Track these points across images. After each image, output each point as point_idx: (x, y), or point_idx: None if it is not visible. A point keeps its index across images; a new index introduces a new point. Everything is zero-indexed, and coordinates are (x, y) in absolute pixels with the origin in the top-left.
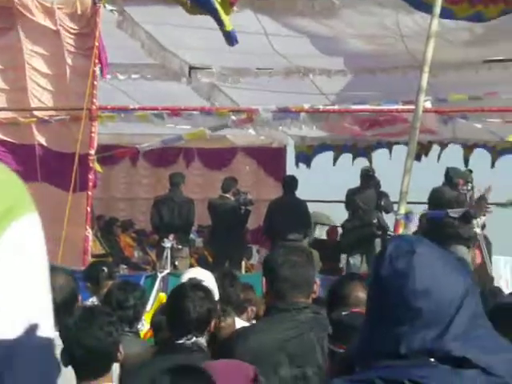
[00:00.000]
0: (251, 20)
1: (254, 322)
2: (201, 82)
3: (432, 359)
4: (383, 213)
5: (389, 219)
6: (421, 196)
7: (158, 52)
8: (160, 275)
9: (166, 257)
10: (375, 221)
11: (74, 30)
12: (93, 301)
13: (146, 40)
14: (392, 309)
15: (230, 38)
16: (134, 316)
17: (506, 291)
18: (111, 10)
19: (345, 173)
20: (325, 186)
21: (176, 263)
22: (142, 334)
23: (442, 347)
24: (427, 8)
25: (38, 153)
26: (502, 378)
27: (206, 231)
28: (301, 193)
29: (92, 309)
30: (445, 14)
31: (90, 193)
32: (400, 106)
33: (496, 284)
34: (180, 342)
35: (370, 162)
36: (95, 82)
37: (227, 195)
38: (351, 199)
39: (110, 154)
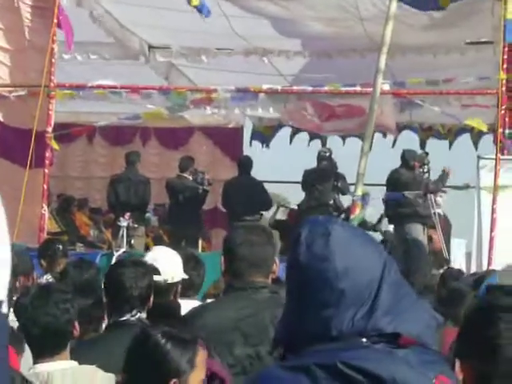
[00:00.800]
0: (211, 2)
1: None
2: (159, 61)
3: (364, 339)
4: (339, 194)
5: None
6: (378, 179)
7: (117, 31)
8: (116, 254)
9: (122, 235)
10: (331, 202)
11: (34, 5)
12: (47, 278)
13: (106, 19)
14: (316, 293)
15: (202, 10)
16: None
17: None
18: None
19: (302, 154)
20: (282, 167)
21: (132, 242)
22: None
23: (373, 325)
24: None
25: None
26: (434, 351)
27: (162, 210)
28: (258, 174)
29: (47, 286)
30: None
31: (46, 170)
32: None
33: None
34: (124, 318)
35: (324, 145)
36: (53, 60)
37: (185, 175)
38: (307, 180)
39: (66, 132)
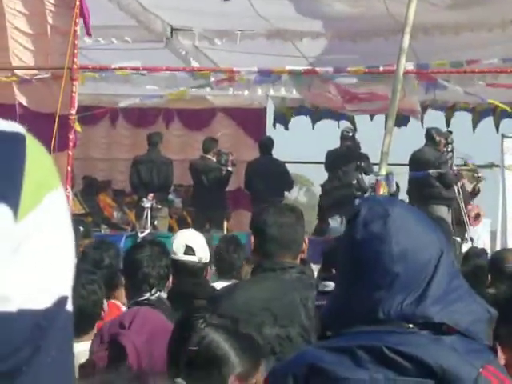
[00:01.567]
0: None
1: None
2: (182, 43)
3: (411, 325)
4: (363, 174)
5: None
6: (402, 159)
7: (140, 13)
8: (140, 235)
9: (146, 216)
10: (354, 182)
11: None
12: None
13: (128, 1)
14: (369, 273)
15: None
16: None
17: None
18: None
19: (325, 134)
20: (305, 148)
21: (155, 223)
22: None
23: (421, 313)
24: None
25: (18, 112)
26: (481, 340)
27: (184, 191)
28: (281, 154)
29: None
30: None
31: (70, 152)
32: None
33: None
34: (143, 298)
35: (353, 123)
36: (76, 42)
37: (208, 156)
38: (331, 160)
39: (89, 114)
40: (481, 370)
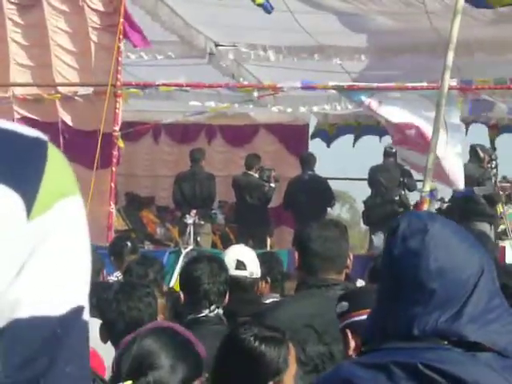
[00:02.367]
0: None
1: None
2: (225, 59)
3: (445, 342)
4: (406, 190)
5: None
6: None
7: (182, 29)
8: (184, 251)
9: (189, 233)
10: (397, 198)
11: (98, 6)
12: (117, 275)
13: (170, 17)
14: (405, 289)
15: (266, 8)
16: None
17: None
18: None
19: (367, 150)
20: (347, 164)
21: (198, 239)
22: None
23: (456, 330)
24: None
25: (61, 130)
26: None
27: (227, 208)
28: (323, 170)
29: (129, 282)
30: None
31: (114, 169)
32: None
33: None
34: (202, 315)
35: None
36: (120, 59)
37: (251, 172)
38: (374, 176)
39: (132, 131)
40: None
